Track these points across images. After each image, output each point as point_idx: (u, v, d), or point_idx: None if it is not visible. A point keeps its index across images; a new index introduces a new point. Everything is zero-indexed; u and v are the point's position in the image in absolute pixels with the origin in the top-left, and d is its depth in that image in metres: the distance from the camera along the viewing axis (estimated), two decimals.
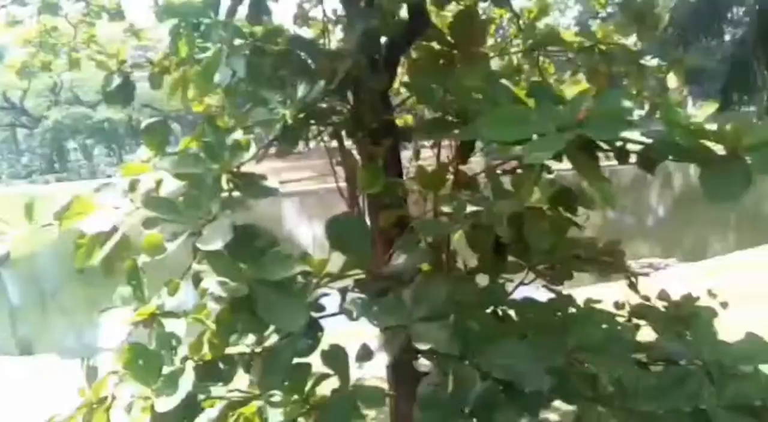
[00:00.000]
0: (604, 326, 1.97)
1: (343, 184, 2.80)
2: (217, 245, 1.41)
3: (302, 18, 4.52)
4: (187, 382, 1.32)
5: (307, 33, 4.44)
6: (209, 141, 1.79)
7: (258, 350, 1.72)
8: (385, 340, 1.74)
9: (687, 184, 24.70)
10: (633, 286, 3.10)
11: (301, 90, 1.92)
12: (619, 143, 1.63)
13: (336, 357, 1.68)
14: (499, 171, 2.34)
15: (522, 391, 1.57)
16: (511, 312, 2.02)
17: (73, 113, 47.00)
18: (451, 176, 2.52)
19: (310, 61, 2.44)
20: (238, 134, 1.78)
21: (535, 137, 1.55)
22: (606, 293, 2.91)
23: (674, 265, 11.41)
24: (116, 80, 3.45)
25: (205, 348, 1.59)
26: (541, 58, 3.56)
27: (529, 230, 1.78)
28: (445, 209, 2.08)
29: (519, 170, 2.17)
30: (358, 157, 2.69)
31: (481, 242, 2.07)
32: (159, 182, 1.75)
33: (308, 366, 1.61)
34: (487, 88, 2.36)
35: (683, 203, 21.30)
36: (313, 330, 1.76)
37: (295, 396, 1.58)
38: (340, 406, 1.57)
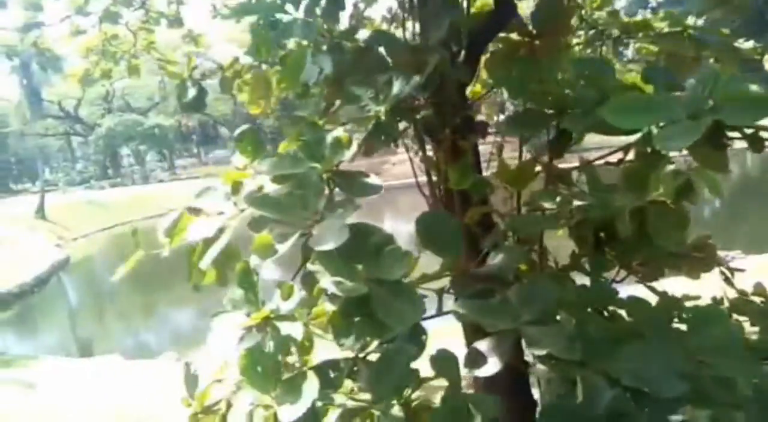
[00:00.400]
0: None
1: (422, 180, 2.73)
2: (333, 244, 1.35)
3: (357, 17, 4.47)
4: (311, 389, 1.27)
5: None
6: (308, 140, 1.73)
7: (361, 355, 1.67)
8: (494, 344, 1.66)
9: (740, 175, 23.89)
10: (729, 281, 2.95)
11: (396, 86, 1.85)
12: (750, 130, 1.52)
13: (446, 362, 1.61)
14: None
15: (652, 398, 1.47)
16: (622, 312, 1.91)
17: (125, 120, 48.31)
18: (537, 172, 2.43)
19: (388, 57, 2.38)
20: (338, 132, 1.72)
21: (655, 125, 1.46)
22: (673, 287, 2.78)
23: (740, 257, 10.98)
24: (191, 90, 3.46)
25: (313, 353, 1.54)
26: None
27: (655, 226, 1.67)
28: (546, 205, 1.98)
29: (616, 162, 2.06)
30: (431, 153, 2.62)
31: (584, 238, 1.97)
32: (261, 187, 1.71)
33: (418, 371, 1.54)
34: (579, 80, 2.27)
35: (737, 195, 20.55)
36: (419, 333, 1.69)
37: (401, 402, 1.52)
38: (455, 415, 1.50)
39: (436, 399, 1.63)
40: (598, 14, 3.73)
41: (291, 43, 3.00)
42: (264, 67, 3.67)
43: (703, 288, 2.50)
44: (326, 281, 1.36)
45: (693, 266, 2.76)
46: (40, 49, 6.53)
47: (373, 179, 1.67)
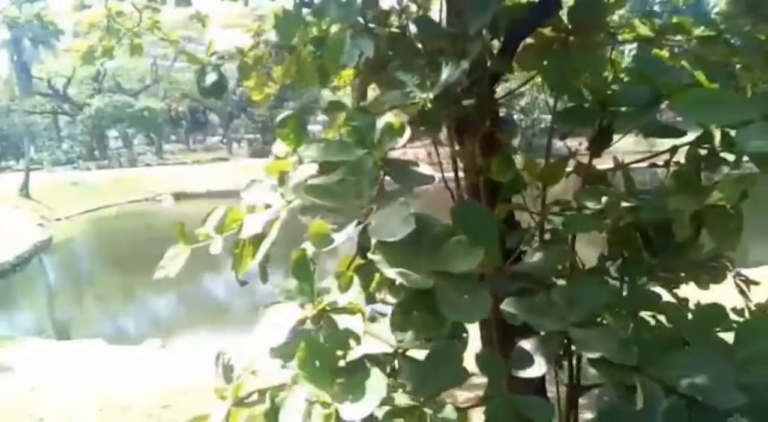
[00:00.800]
0: None
1: (449, 175, 2.67)
2: (399, 235, 1.28)
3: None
4: (377, 387, 1.19)
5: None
6: (358, 126, 1.66)
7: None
8: (540, 345, 1.60)
9: None
10: (744, 293, 2.93)
11: (445, 72, 1.78)
12: None
13: (492, 363, 1.55)
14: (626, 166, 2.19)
15: (705, 407, 1.42)
16: (662, 318, 1.86)
17: (115, 101, 47.67)
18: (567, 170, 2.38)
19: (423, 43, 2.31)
20: (389, 117, 1.65)
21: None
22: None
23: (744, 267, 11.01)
24: (211, 75, 3.36)
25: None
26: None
27: (714, 230, 1.62)
28: (589, 204, 1.92)
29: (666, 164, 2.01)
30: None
31: (628, 240, 1.91)
32: (309, 177, 1.63)
33: (466, 370, 1.47)
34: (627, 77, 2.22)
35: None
36: (461, 330, 1.62)
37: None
38: (503, 416, 1.44)
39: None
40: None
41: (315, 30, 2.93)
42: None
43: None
44: (392, 272, 1.29)
45: (711, 275, 2.72)
46: (42, 23, 6.35)
47: (424, 169, 1.60)
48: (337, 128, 2.06)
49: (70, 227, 28.21)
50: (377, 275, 1.47)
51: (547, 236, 2.35)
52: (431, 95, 1.83)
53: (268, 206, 1.80)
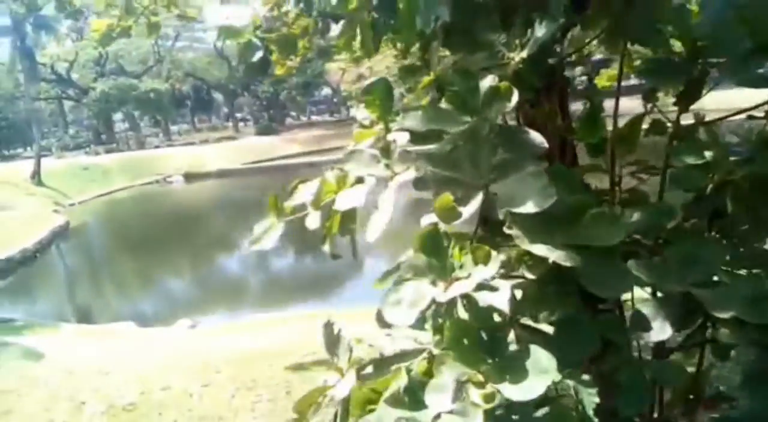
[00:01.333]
0: None
1: None
2: (540, 206, 1.23)
3: None
4: (546, 365, 1.14)
5: None
6: (459, 90, 1.59)
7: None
8: (659, 308, 1.55)
9: None
10: None
11: (540, 30, 1.70)
12: None
13: (615, 325, 1.50)
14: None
15: None
16: None
17: (120, 84, 47.37)
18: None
19: None
20: (491, 80, 1.58)
21: None
22: None
23: None
24: (258, 51, 3.27)
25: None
26: None
27: None
28: (688, 160, 1.85)
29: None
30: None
31: (736, 196, 1.84)
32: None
33: (598, 338, 1.43)
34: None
35: None
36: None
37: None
38: (634, 382, 1.40)
39: None
40: None
41: None
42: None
43: None
44: (540, 249, 1.24)
45: None
46: (62, 3, 6.25)
47: (535, 135, 1.53)
48: (419, 94, 1.99)
49: (85, 212, 28.32)
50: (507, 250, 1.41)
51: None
52: (525, 54, 1.76)
53: (359, 181, 1.75)
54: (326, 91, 63.53)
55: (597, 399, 1.30)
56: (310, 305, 12.07)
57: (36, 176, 31.07)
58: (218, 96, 62.57)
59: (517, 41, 1.82)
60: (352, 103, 59.01)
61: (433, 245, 1.36)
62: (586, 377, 1.33)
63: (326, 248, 1.96)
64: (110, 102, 46.91)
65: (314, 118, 63.91)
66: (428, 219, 1.44)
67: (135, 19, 7.01)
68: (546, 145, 1.53)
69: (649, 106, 2.34)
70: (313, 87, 56.19)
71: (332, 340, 1.64)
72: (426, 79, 1.96)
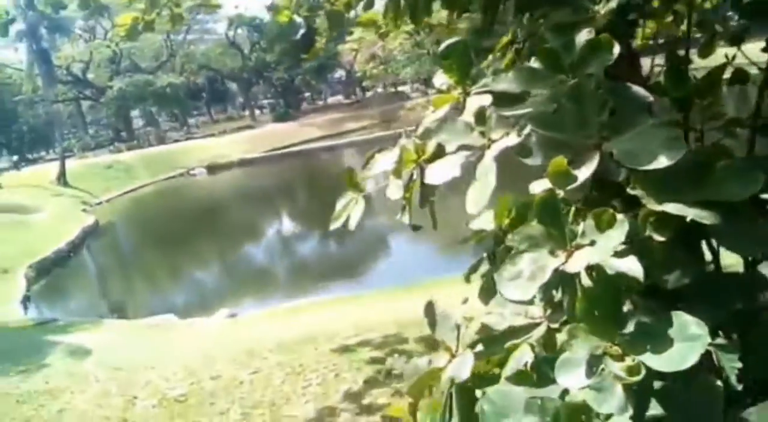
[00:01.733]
0: None
1: None
2: (669, 160, 1.13)
3: None
4: (692, 333, 1.05)
5: None
6: (552, 47, 1.49)
7: None
8: None
9: None
10: None
11: None
12: None
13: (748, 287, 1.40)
14: None
15: None
16: None
17: (136, 81, 47.61)
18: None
19: None
20: (586, 34, 1.47)
21: None
22: None
23: None
24: (301, 28, 3.19)
25: None
26: None
27: None
28: None
29: None
30: None
31: None
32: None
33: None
34: None
35: None
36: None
37: None
38: None
39: None
40: None
41: None
42: None
43: None
44: (672, 207, 1.14)
45: None
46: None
47: (638, 89, 1.43)
48: (501, 54, 1.88)
49: (112, 210, 28.64)
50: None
51: None
52: (613, 5, 1.64)
53: (440, 149, 1.67)
54: (339, 73, 63.20)
55: (739, 364, 1.21)
56: (342, 288, 12.05)
57: (62, 178, 31.45)
58: (232, 86, 62.62)
59: None
60: (367, 83, 58.81)
61: (550, 212, 1.27)
62: (723, 341, 1.25)
63: (405, 219, 1.89)
64: (128, 99, 47.21)
65: (329, 100, 63.66)
66: (539, 185, 1.35)
67: (159, 11, 6.94)
68: (651, 98, 1.44)
69: (731, 55, 2.22)
70: (327, 70, 55.91)
71: (437, 319, 1.56)
72: (503, 39, 1.85)
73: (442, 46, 1.76)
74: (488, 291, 2.01)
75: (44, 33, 32.51)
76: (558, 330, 1.34)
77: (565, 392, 1.25)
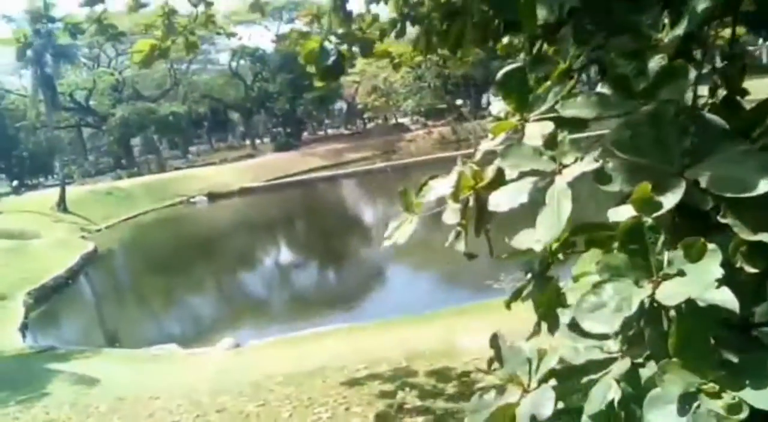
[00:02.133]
0: None
1: None
2: (764, 188, 1.09)
3: None
4: None
5: None
6: (623, 73, 1.46)
7: None
8: None
9: None
10: None
11: (701, 3, 1.55)
12: None
13: None
14: None
15: None
16: None
17: (139, 109, 47.84)
18: None
19: None
20: (659, 60, 1.44)
21: None
22: None
23: None
24: (332, 55, 3.18)
25: None
26: None
27: None
28: None
29: None
30: None
31: None
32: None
33: None
34: None
35: None
36: None
37: None
38: None
39: None
40: None
41: None
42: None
43: None
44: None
45: None
46: (103, 26, 6.21)
47: (712, 116, 1.39)
48: (557, 81, 1.85)
49: (112, 237, 28.48)
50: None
51: None
52: (681, 31, 1.61)
53: (500, 175, 1.62)
54: (340, 104, 63.72)
55: None
56: (341, 319, 11.89)
57: (62, 204, 31.36)
58: (234, 115, 63.02)
59: (665, 20, 1.69)
60: (368, 115, 59.21)
61: (636, 240, 1.22)
62: None
63: (460, 246, 1.84)
64: (130, 127, 47.39)
65: (330, 131, 64.06)
66: (618, 213, 1.30)
67: (174, 38, 6.97)
68: (727, 125, 1.40)
69: None
70: (328, 101, 56.37)
71: (505, 352, 1.49)
72: (559, 67, 1.82)
73: (500, 73, 1.73)
74: (550, 318, 1.94)
75: (49, 59, 32.79)
76: (642, 365, 1.28)
77: None
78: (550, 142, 1.46)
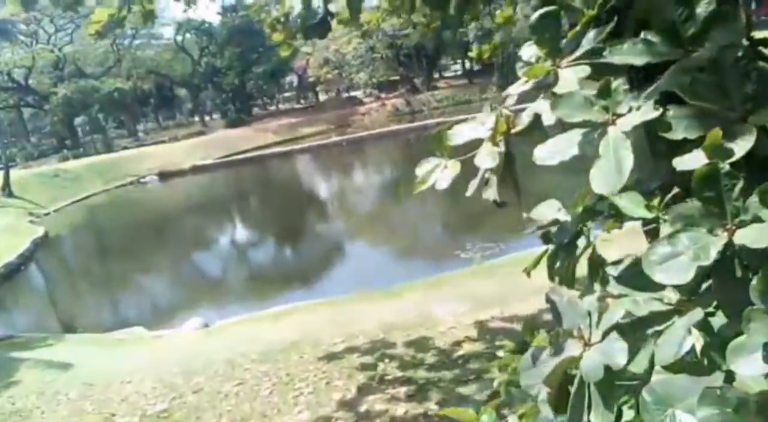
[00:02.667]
0: None
1: None
2: None
3: None
4: None
5: None
6: (670, 19, 1.41)
7: None
8: None
9: None
10: None
11: None
12: None
13: None
14: None
15: None
16: None
17: (82, 87, 45.89)
18: None
19: None
20: (706, 5, 1.40)
21: None
22: None
23: None
24: (318, 12, 3.06)
25: None
26: None
27: None
28: None
29: None
30: None
31: None
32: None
33: None
34: None
35: None
36: None
37: None
38: None
39: None
40: None
41: None
42: None
43: None
44: None
45: None
46: None
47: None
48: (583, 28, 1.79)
49: (62, 220, 27.56)
50: None
51: None
52: None
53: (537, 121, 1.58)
54: (290, 77, 62.60)
55: None
56: (305, 295, 11.80)
57: (6, 188, 30.11)
58: (181, 91, 61.28)
59: None
60: (321, 88, 58.34)
61: (711, 187, 1.18)
62: None
63: (491, 194, 1.79)
64: (73, 106, 45.53)
65: (281, 106, 62.97)
66: (686, 161, 1.25)
67: (128, 8, 6.67)
68: None
69: None
70: (278, 75, 55.32)
71: (562, 306, 1.45)
72: (588, 13, 1.75)
73: (534, 16, 1.66)
74: (567, 281, 1.92)
75: None
76: (712, 314, 1.26)
77: (730, 379, 1.17)
78: (605, 91, 1.41)
